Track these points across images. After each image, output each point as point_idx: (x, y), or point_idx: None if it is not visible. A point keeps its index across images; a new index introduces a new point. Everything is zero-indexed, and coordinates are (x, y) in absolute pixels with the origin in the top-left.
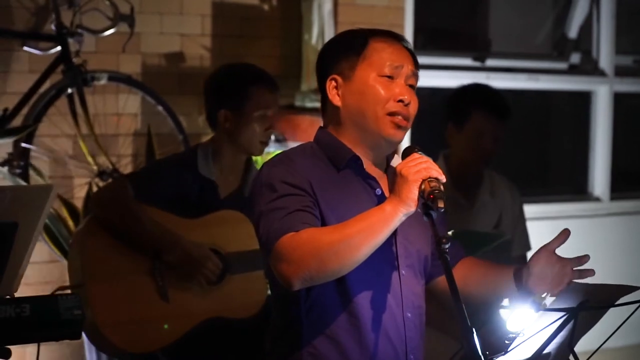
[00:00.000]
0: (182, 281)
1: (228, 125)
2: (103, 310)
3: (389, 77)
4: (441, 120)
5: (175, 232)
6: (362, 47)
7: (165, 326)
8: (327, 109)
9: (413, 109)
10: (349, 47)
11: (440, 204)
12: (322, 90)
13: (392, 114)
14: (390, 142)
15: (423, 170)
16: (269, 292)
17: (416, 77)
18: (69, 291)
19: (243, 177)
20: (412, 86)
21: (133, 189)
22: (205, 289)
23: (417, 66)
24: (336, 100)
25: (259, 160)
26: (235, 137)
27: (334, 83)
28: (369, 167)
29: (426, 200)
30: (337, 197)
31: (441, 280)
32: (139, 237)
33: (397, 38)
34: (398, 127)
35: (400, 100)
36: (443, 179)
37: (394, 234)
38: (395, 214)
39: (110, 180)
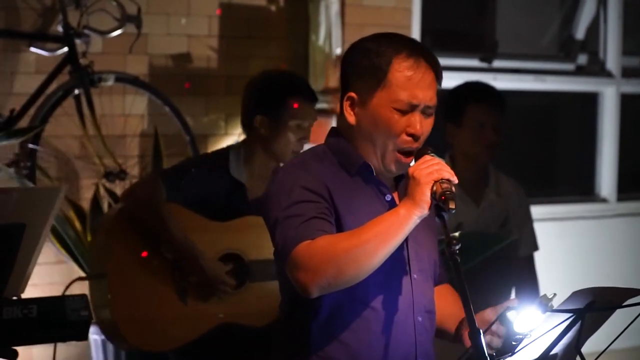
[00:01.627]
0: (202, 284)
1: (263, 131)
2: (120, 305)
3: (403, 111)
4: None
5: (197, 247)
6: (383, 73)
7: (175, 326)
8: (341, 116)
9: (425, 135)
10: (370, 70)
11: (452, 205)
12: (340, 95)
13: (400, 151)
14: (389, 173)
15: (435, 172)
16: None
17: (433, 106)
18: (81, 284)
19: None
20: (429, 109)
21: (165, 186)
22: (224, 294)
23: (440, 81)
24: (351, 119)
25: None
26: (269, 144)
27: (350, 102)
28: (378, 175)
29: (438, 202)
30: (352, 201)
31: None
32: (163, 238)
33: (424, 58)
34: (401, 165)
35: (412, 135)
36: (455, 180)
37: (405, 237)
38: (410, 217)
39: (124, 179)
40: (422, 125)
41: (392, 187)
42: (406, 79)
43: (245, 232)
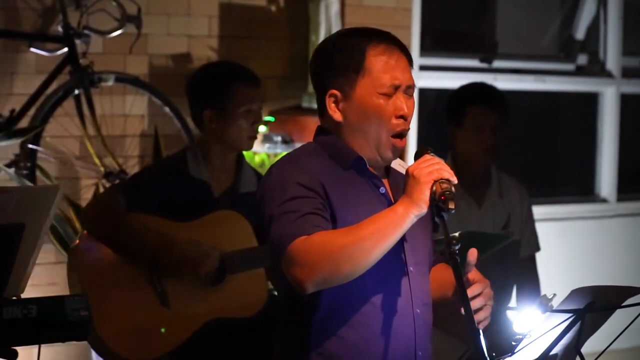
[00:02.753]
0: (181, 285)
1: (214, 124)
2: (105, 322)
3: (388, 95)
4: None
5: (169, 234)
6: (360, 62)
7: (162, 330)
8: (325, 116)
9: (411, 116)
10: (347, 63)
11: (451, 205)
12: (318, 93)
13: (395, 135)
14: (386, 161)
15: (435, 171)
16: (273, 291)
17: (413, 85)
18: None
19: (235, 174)
20: (410, 89)
21: (125, 199)
22: (206, 291)
23: (412, 66)
24: (337, 116)
25: (265, 159)
26: (223, 136)
27: (333, 98)
28: (371, 168)
29: (437, 202)
30: (347, 196)
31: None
32: (133, 247)
33: (393, 43)
34: (397, 150)
35: (401, 117)
36: (454, 180)
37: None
38: (407, 216)
39: (124, 179)
40: (408, 106)
41: (382, 177)
42: (384, 63)
43: (217, 227)
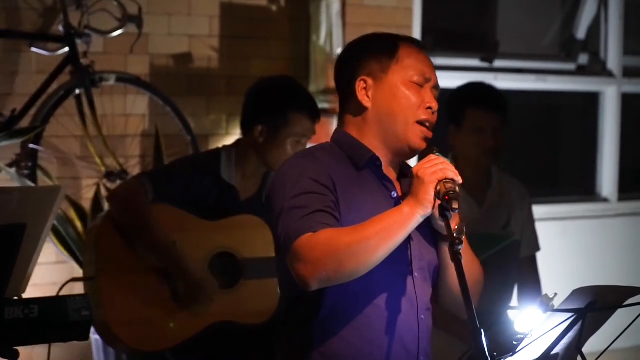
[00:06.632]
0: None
1: (261, 140)
2: (113, 307)
3: (418, 85)
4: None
5: (179, 252)
6: (394, 50)
7: (171, 324)
8: (349, 110)
9: (436, 114)
10: (380, 49)
11: (455, 205)
12: (343, 90)
13: (421, 122)
14: (413, 151)
15: (439, 171)
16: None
17: (439, 87)
18: (81, 284)
19: (263, 182)
20: (436, 89)
21: (152, 188)
22: (218, 293)
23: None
24: (366, 101)
25: None
26: (264, 153)
27: (363, 84)
28: (387, 169)
29: (441, 202)
30: (356, 197)
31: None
32: (146, 246)
33: (422, 47)
34: (425, 139)
35: (429, 108)
36: (459, 180)
37: (409, 235)
38: (413, 216)
39: (125, 179)
40: (435, 103)
41: (397, 179)
42: (416, 56)
43: (238, 231)
